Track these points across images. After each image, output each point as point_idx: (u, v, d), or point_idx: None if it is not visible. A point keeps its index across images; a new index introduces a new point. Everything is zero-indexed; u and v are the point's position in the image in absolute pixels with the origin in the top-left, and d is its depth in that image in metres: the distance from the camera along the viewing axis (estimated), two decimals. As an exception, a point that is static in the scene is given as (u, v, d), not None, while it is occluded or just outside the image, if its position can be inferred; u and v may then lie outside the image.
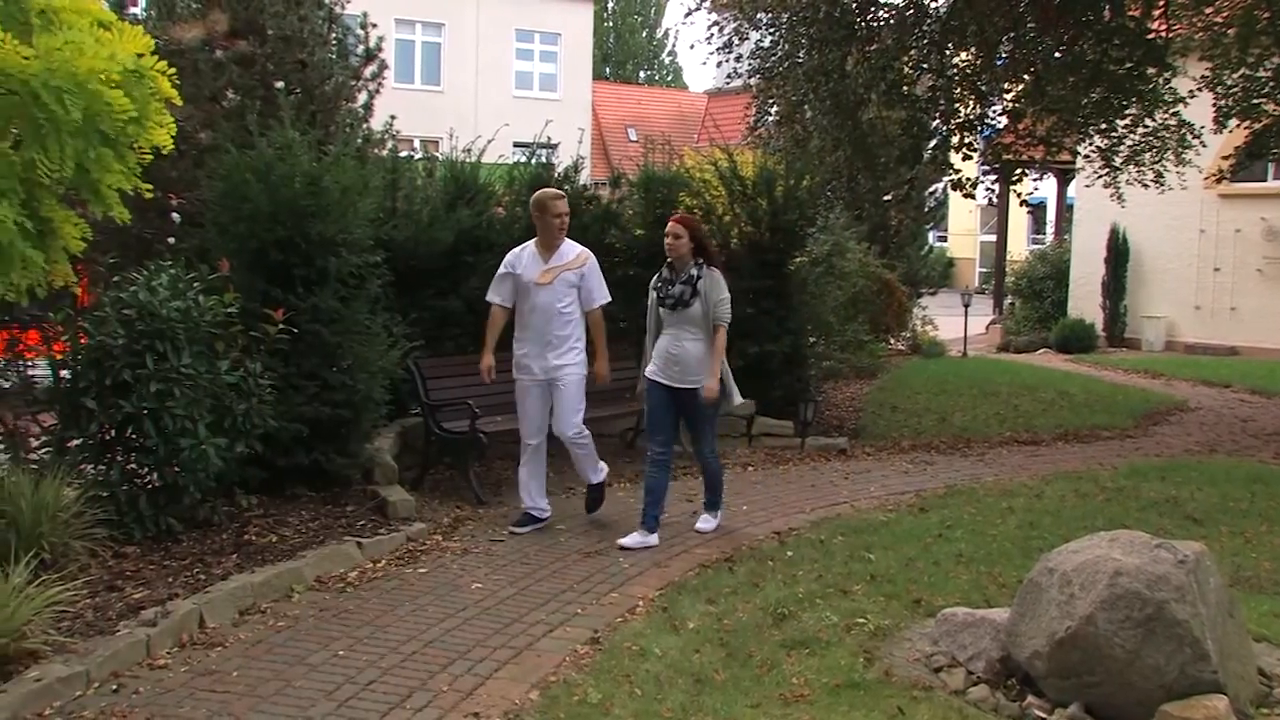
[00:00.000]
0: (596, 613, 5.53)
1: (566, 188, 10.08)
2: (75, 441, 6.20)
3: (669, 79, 54.48)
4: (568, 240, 7.08)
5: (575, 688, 4.53)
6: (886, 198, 17.15)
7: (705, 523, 7.18)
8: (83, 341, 6.24)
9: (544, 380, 6.94)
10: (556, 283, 6.93)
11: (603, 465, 7.42)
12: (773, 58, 13.65)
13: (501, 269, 7.09)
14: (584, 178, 10.51)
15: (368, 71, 10.62)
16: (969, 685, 4.55)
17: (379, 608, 5.55)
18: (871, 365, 14.97)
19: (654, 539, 6.77)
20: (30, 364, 7.25)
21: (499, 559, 6.43)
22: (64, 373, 6.40)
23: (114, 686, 4.48)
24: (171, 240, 8.27)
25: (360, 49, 10.86)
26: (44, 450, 6.39)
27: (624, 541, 6.70)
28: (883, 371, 15.21)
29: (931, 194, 22.15)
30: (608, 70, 50.25)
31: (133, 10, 9.75)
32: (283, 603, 5.57)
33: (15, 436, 6.80)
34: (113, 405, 5.99)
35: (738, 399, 7.10)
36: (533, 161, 10.36)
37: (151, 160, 4.49)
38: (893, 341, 18.01)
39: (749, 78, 14.52)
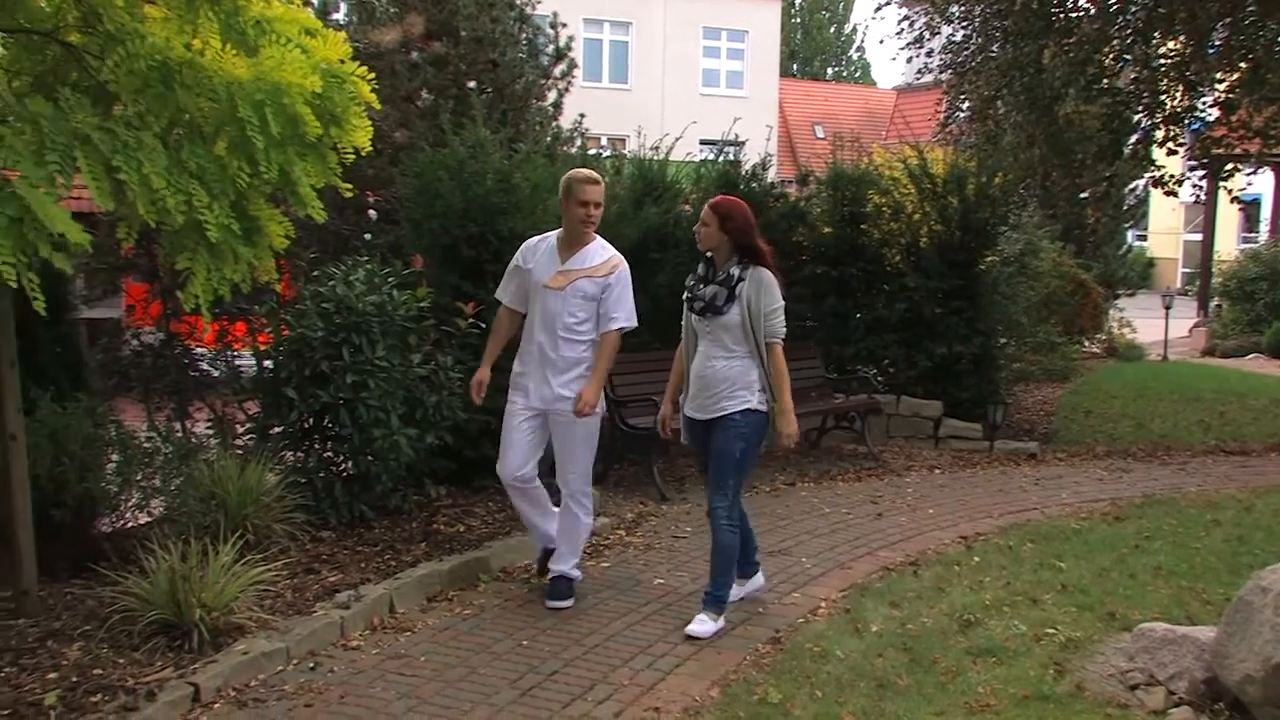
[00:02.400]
0: (778, 612, 5.50)
1: (755, 185, 10.06)
2: (277, 429, 6.47)
3: (857, 75, 53.77)
4: (599, 240, 5.58)
5: (756, 687, 4.51)
6: (1083, 195, 16.54)
7: (699, 625, 5.14)
8: (285, 333, 6.51)
9: (540, 411, 5.49)
10: (569, 290, 5.43)
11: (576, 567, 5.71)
12: (965, 52, 13.37)
13: (514, 260, 5.68)
14: (771, 175, 10.46)
15: (557, 70, 10.84)
16: (1170, 706, 4.31)
17: (562, 599, 5.64)
18: (1064, 368, 14.49)
19: (757, 580, 5.65)
20: (237, 354, 7.64)
21: (681, 555, 6.45)
22: (267, 363, 6.70)
23: (311, 664, 4.68)
24: (368, 236, 8.59)
25: (550, 48, 11.10)
26: (249, 436, 6.71)
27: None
28: (1076, 375, 14.71)
29: (1131, 191, 21.27)
30: (795, 67, 49.91)
31: (335, 16, 10.18)
32: (469, 591, 5.71)
33: (223, 423, 7.18)
34: (311, 395, 6.23)
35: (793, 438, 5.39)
36: (720, 159, 10.37)
37: (351, 160, 4.67)
38: (1087, 344, 17.41)
39: (940, 73, 14.25)
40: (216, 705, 4.23)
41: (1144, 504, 7.87)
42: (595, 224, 5.51)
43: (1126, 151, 13.31)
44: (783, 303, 5.22)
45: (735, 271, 5.17)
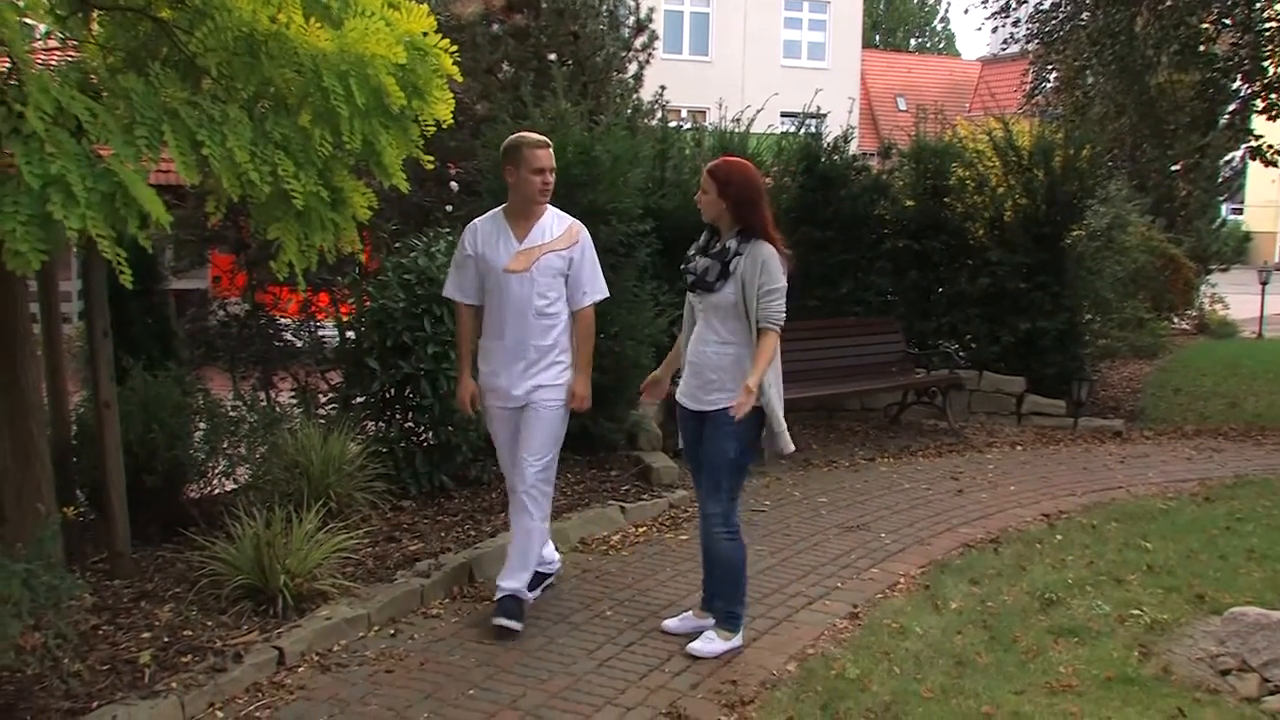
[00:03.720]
0: (856, 588, 5.47)
1: (836, 158, 9.97)
2: (359, 399, 6.56)
3: (940, 46, 52.91)
4: (550, 208, 4.96)
5: (833, 662, 4.49)
6: (1174, 167, 16.12)
7: (706, 643, 4.62)
8: (367, 304, 6.59)
9: (517, 407, 4.92)
10: (535, 270, 4.81)
11: (555, 555, 5.33)
12: (1053, 20, 13.11)
13: (459, 249, 5.01)
14: (853, 148, 10.35)
15: (638, 42, 10.81)
16: (1264, 694, 4.19)
17: (640, 571, 5.65)
18: (1152, 345, 14.15)
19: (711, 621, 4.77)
20: (320, 325, 7.75)
21: (759, 529, 6.44)
22: (350, 334, 6.79)
23: (392, 631, 4.75)
24: (449, 208, 8.64)
25: (631, 20, 11.06)
26: (331, 406, 6.81)
27: (669, 624, 4.87)
28: (1164, 352, 14.37)
29: (1226, 163, 20.67)
30: (877, 38, 49.22)
31: (418, -11, 10.24)
32: (548, 561, 5.76)
33: (307, 392, 7.29)
34: (393, 365, 6.30)
35: (788, 444, 4.57)
36: (801, 131, 10.28)
37: (433, 132, 4.70)
38: (1176, 320, 16.98)
39: (1027, 43, 14.00)
40: (300, 669, 4.32)
41: (1236, 485, 7.68)
42: (550, 193, 4.91)
43: (1222, 121, 12.93)
44: (784, 284, 4.47)
45: (732, 244, 4.50)
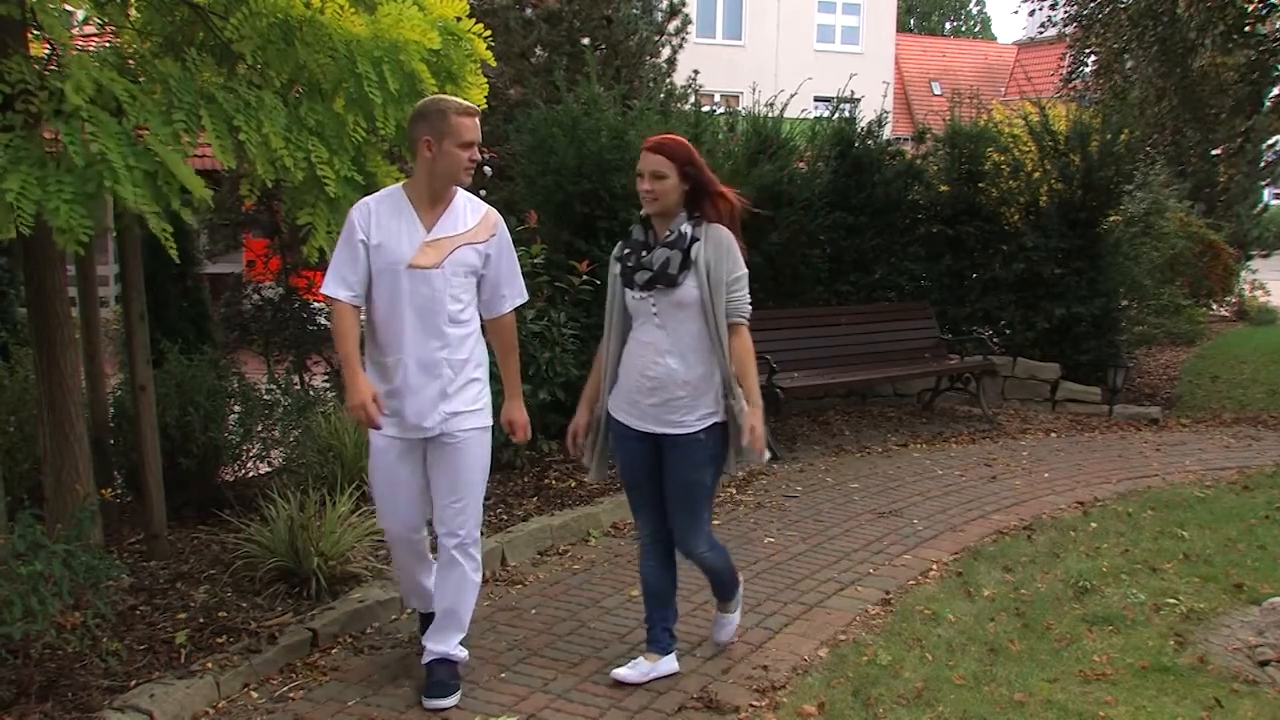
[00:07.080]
0: (888, 574, 5.45)
1: (870, 143, 9.90)
2: (393, 382, 6.57)
3: (976, 30, 52.51)
4: (461, 191, 3.98)
5: (865, 648, 4.48)
6: (1215, 152, 15.91)
7: (724, 630, 4.42)
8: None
9: (420, 440, 3.94)
10: (448, 266, 3.84)
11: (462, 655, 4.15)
12: (1092, 3, 12.93)
13: (347, 232, 3.84)
14: (886, 133, 10.29)
15: (671, 26, 10.79)
16: (1302, 684, 4.16)
17: (671, 555, 5.65)
18: (1190, 331, 14.05)
19: (669, 664, 4.18)
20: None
21: (791, 514, 6.43)
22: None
23: (425, 613, 4.78)
24: (482, 193, 8.65)
25: (664, 4, 11.03)
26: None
27: (620, 674, 4.11)
28: (1202, 339, 14.26)
29: (1270, 147, 20.38)
30: (911, 22, 48.86)
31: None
32: (579, 546, 5.77)
33: (340, 376, 7.32)
34: (428, 349, 6.30)
35: (763, 454, 3.98)
36: (835, 116, 10.23)
37: (466, 116, 4.70)
38: (1215, 307, 16.81)
39: (1064, 26, 13.85)
40: (334, 650, 4.35)
41: (1276, 473, 7.60)
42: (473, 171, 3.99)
43: (1267, 104, 12.76)
44: (746, 271, 3.92)
45: (688, 230, 3.85)
